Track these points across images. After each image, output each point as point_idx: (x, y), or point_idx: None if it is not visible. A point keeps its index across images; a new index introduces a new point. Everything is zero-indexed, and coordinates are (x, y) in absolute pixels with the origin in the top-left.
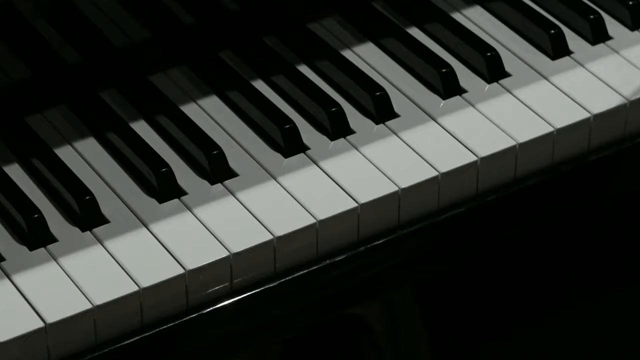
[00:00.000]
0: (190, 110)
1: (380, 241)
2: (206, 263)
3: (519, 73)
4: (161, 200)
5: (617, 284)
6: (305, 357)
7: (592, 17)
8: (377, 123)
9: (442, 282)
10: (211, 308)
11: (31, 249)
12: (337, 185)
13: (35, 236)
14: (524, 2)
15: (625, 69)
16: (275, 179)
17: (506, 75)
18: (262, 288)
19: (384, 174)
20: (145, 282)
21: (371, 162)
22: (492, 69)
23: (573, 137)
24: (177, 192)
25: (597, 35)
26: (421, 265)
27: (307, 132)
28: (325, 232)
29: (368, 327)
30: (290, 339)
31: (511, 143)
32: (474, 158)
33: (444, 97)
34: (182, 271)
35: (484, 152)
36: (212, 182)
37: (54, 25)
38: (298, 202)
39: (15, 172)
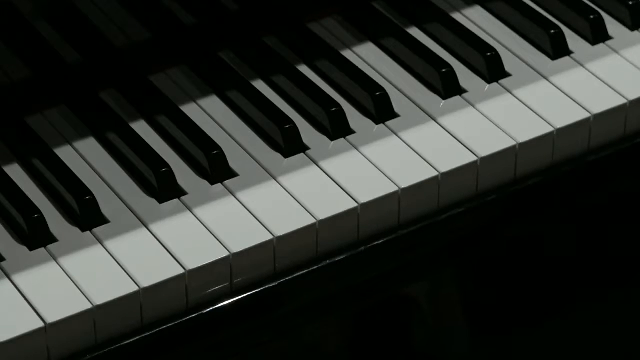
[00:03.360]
0: (190, 110)
1: (380, 241)
2: (206, 263)
3: (519, 73)
4: (161, 200)
5: (618, 284)
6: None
7: (592, 17)
8: (377, 123)
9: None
10: (211, 308)
11: (31, 249)
12: (337, 185)
13: (35, 236)
14: (524, 2)
15: (625, 69)
16: (275, 179)
17: (506, 75)
18: (262, 288)
19: (384, 174)
20: (145, 282)
21: (371, 162)
22: (492, 69)
23: (573, 137)
24: (177, 192)
25: (597, 35)
26: (422, 266)
27: (307, 132)
28: (325, 232)
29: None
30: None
31: (511, 143)
32: (474, 158)
33: (444, 97)
34: (182, 271)
35: (484, 152)
36: (212, 182)
37: (54, 25)
38: (298, 202)
39: (15, 172)
